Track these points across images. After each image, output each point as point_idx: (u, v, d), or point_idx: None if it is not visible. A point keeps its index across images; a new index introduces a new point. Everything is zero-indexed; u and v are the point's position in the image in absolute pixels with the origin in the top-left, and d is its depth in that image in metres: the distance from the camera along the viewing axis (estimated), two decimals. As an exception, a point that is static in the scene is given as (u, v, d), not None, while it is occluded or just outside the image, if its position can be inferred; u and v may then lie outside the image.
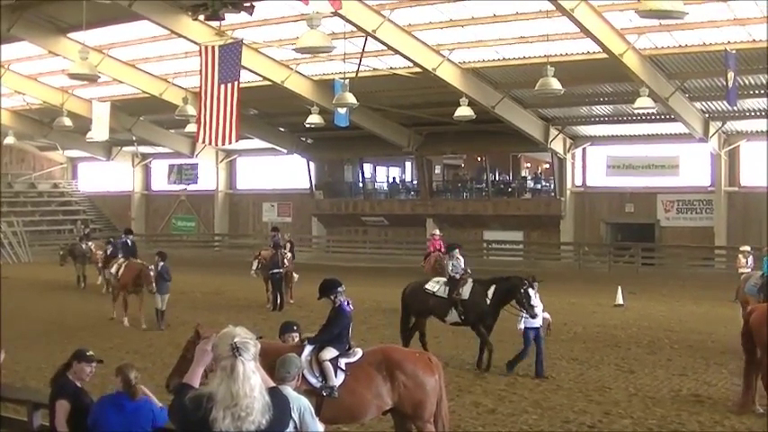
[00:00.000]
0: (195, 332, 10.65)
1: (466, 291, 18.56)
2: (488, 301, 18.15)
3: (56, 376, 9.34)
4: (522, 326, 17.54)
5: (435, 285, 19.14)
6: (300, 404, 7.62)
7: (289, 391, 7.69)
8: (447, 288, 18.85)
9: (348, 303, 11.65)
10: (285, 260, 29.03)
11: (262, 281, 29.81)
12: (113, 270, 26.59)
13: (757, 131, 40.25)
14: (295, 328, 11.61)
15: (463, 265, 19.65)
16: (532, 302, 17.32)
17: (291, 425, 7.36)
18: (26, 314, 26.24)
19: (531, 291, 17.38)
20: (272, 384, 5.59)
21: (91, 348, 9.66)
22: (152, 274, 24.38)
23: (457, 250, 19.94)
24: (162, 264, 24.75)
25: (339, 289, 11.66)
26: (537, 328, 17.61)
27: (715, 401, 15.44)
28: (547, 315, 17.94)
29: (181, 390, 5.51)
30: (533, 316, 17.39)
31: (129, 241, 27.89)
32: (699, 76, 35.29)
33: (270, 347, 10.11)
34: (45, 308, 28.91)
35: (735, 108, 35.34)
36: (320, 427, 7.84)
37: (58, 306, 29.25)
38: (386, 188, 54.95)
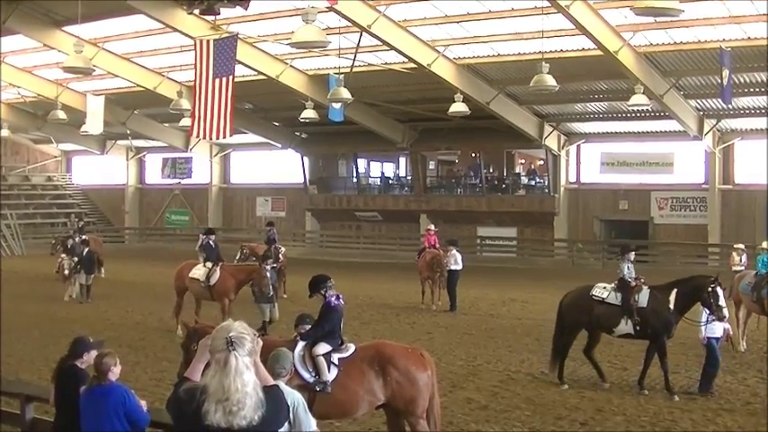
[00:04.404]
0: (191, 330, 10.70)
1: (643, 298, 16.25)
2: (671, 309, 16.06)
3: (65, 368, 9.30)
4: (705, 334, 16.04)
5: (604, 292, 16.70)
6: (294, 399, 7.64)
7: (283, 386, 7.71)
8: (619, 295, 16.51)
9: (338, 298, 11.63)
10: (279, 255, 29.05)
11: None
12: (199, 275, 22.79)
13: (752, 129, 40.30)
14: (308, 320, 11.59)
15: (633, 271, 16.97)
16: (720, 303, 15.55)
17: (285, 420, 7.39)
18: (18, 307, 26.16)
19: (719, 290, 15.63)
20: (272, 382, 5.56)
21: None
22: (269, 275, 21.60)
23: (632, 253, 17.29)
24: (272, 267, 22.20)
25: (328, 284, 11.66)
26: (718, 338, 16.24)
27: (707, 399, 15.46)
28: (727, 325, 16.44)
29: (180, 383, 5.51)
30: (722, 318, 15.69)
31: (211, 242, 23.98)
32: (694, 73, 35.31)
33: (263, 341, 10.12)
34: (37, 300, 28.85)
35: (729, 106, 35.31)
36: (313, 422, 7.86)
37: (50, 299, 29.17)
38: (379, 183, 54.91)
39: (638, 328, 16.30)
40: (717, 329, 16.08)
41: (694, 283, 16.12)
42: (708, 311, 15.72)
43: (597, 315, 16.69)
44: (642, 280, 16.69)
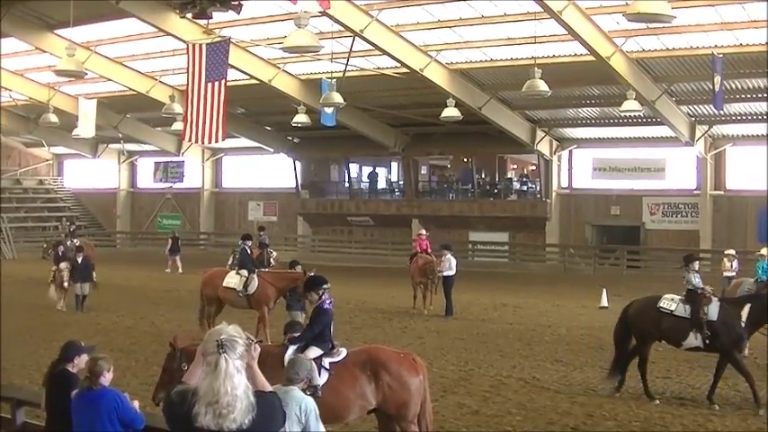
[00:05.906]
0: (179, 350, 10.56)
1: (713, 311, 15.60)
2: (743, 324, 15.53)
3: (56, 372, 9.28)
4: None
5: (672, 304, 15.96)
6: (306, 405, 7.72)
7: (296, 392, 7.84)
8: (688, 307, 15.81)
9: (329, 302, 11.63)
10: (271, 259, 28.94)
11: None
12: (235, 284, 21.90)
13: (744, 135, 40.50)
14: (297, 327, 11.64)
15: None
16: None
17: (299, 426, 7.48)
18: (10, 311, 25.99)
19: None
20: (270, 389, 5.54)
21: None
22: None
23: (696, 262, 16.65)
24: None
25: (325, 286, 11.66)
26: None
27: (698, 404, 15.48)
28: None
29: (175, 387, 5.51)
30: None
31: (247, 248, 23.17)
32: (686, 79, 35.42)
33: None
34: (29, 305, 28.70)
35: (721, 112, 35.42)
36: (322, 429, 7.90)
37: (41, 303, 29.02)
38: (371, 188, 54.79)
39: (707, 342, 15.70)
40: None
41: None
42: None
43: (666, 328, 16.07)
44: (710, 290, 16.18)
